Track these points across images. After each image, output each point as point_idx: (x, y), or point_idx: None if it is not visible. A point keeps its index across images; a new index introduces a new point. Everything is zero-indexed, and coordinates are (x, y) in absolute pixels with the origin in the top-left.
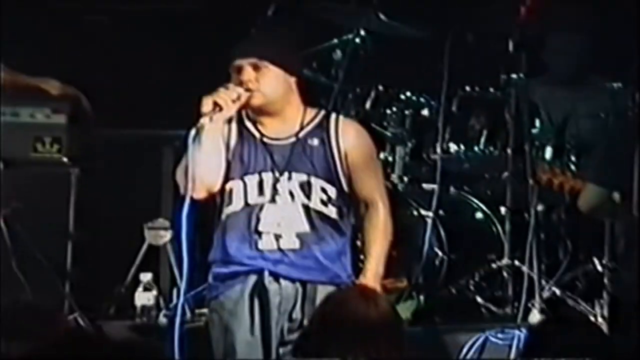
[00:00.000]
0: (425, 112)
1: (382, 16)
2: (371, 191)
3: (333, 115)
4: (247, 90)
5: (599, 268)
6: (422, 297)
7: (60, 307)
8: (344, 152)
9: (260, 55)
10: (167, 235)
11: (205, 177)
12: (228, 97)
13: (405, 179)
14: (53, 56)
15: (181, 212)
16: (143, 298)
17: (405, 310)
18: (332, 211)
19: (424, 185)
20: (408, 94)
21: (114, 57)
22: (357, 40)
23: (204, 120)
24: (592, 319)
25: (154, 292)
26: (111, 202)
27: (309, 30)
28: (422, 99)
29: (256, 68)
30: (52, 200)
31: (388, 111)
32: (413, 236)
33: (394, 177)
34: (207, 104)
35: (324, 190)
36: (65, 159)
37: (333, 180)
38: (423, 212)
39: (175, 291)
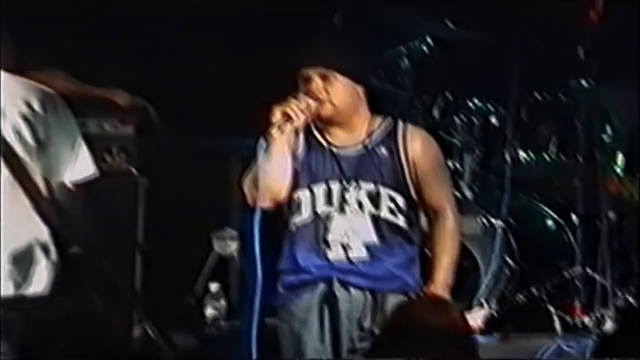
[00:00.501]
0: (493, 119)
1: (448, 23)
2: (439, 199)
3: (400, 124)
4: (316, 100)
5: None
6: (493, 306)
7: (129, 317)
8: (412, 161)
9: (328, 64)
10: (234, 245)
11: (273, 187)
12: (297, 107)
13: (475, 187)
14: (119, 66)
15: (252, 221)
16: (212, 308)
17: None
18: (401, 220)
19: (494, 194)
20: (476, 101)
21: (180, 66)
22: (424, 47)
23: (273, 130)
24: None
25: (223, 302)
26: (179, 212)
27: (376, 38)
28: (490, 107)
29: (324, 78)
30: (120, 211)
31: (456, 119)
32: (483, 245)
33: (463, 185)
34: (276, 114)
35: (392, 199)
36: (133, 170)
37: (401, 189)
38: (493, 220)
39: (245, 300)
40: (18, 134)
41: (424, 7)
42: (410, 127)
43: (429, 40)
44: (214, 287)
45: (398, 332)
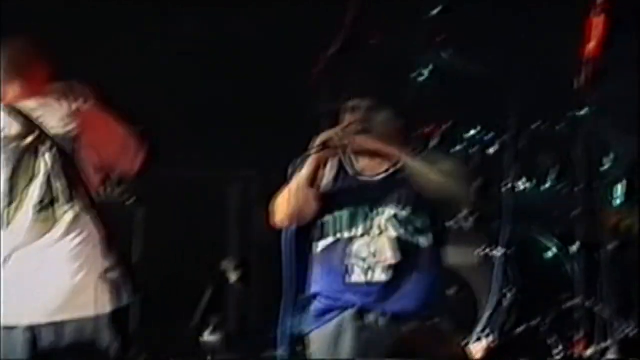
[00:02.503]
0: (492, 149)
1: (447, 53)
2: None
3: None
4: (359, 130)
5: None
6: (492, 338)
7: (128, 347)
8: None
9: (379, 97)
10: (234, 276)
11: (301, 210)
12: (338, 137)
13: (473, 217)
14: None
15: (286, 240)
16: (211, 339)
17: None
18: (422, 240)
19: (493, 224)
20: (474, 131)
21: (179, 96)
22: (423, 77)
23: (310, 156)
24: None
25: (222, 333)
26: (176, 242)
27: (375, 67)
28: (488, 136)
29: (372, 109)
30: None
31: (455, 148)
32: (482, 276)
33: (461, 216)
34: (318, 142)
35: (411, 220)
36: (129, 201)
37: (420, 209)
38: (491, 251)
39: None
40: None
41: (423, 37)
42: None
43: (427, 70)
44: (214, 318)
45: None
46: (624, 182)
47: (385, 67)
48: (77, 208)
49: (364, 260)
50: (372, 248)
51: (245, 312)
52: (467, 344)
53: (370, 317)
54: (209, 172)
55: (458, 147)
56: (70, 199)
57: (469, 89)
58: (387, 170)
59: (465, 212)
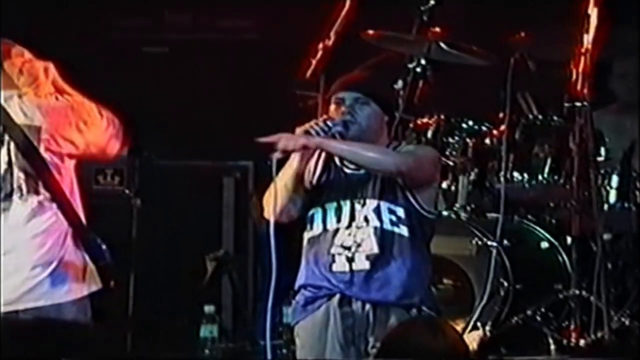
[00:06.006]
0: (487, 140)
1: (442, 44)
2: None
3: (402, 144)
4: (345, 122)
5: None
6: (488, 328)
7: (123, 339)
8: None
9: (365, 91)
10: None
11: (289, 203)
12: (320, 129)
13: (469, 208)
14: (113, 87)
15: (269, 235)
16: (206, 330)
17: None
18: (402, 230)
19: (488, 215)
20: (470, 122)
21: (173, 88)
22: (418, 69)
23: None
24: None
25: (217, 324)
26: (172, 233)
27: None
28: (484, 128)
29: (359, 102)
30: (113, 232)
31: (450, 140)
32: (478, 266)
33: (457, 206)
34: (299, 133)
35: (392, 211)
36: (126, 191)
37: (398, 200)
38: (487, 241)
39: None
40: None
41: (417, 29)
42: (406, 146)
43: (422, 61)
44: (209, 309)
45: (395, 352)
46: (619, 173)
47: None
48: (40, 198)
49: (348, 249)
50: (357, 238)
51: (240, 303)
52: (463, 333)
53: (354, 305)
54: (203, 163)
55: (454, 138)
56: (32, 189)
57: (464, 80)
58: None
59: (461, 203)
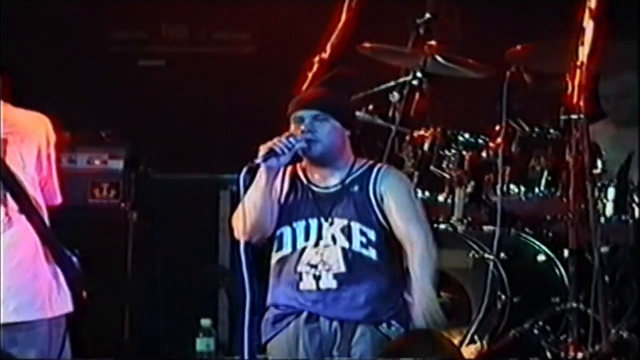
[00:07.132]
0: (484, 153)
1: (438, 57)
2: (408, 232)
3: (378, 166)
4: (307, 140)
5: None
6: (485, 341)
7: (120, 352)
8: (380, 197)
9: (324, 108)
10: (225, 280)
11: (259, 223)
12: (284, 145)
13: (466, 221)
14: (110, 101)
15: (240, 256)
16: (203, 344)
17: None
18: (372, 253)
19: (485, 228)
20: (467, 135)
21: (170, 102)
22: (414, 82)
23: (260, 166)
24: None
25: (214, 338)
26: (169, 247)
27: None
28: (481, 141)
29: (318, 119)
30: (110, 246)
31: (447, 153)
32: (475, 279)
33: (454, 220)
34: (263, 150)
35: (363, 233)
36: (122, 205)
37: (372, 223)
38: (484, 255)
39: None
40: None
41: (413, 42)
42: (385, 168)
43: (418, 74)
44: (205, 323)
45: None
46: (616, 185)
47: (375, 71)
48: (7, 211)
49: (315, 267)
50: (324, 257)
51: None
52: (461, 346)
53: (322, 322)
54: (200, 176)
55: (451, 151)
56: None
57: (460, 93)
58: (341, 183)
59: (457, 216)
